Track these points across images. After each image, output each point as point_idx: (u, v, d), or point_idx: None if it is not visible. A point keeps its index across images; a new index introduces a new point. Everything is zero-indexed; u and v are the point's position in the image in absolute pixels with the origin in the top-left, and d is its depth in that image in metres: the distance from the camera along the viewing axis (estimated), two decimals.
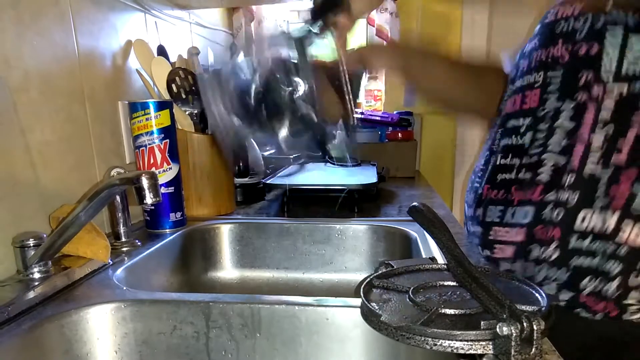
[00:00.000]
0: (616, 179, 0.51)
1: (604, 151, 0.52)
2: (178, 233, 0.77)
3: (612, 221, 0.52)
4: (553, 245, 0.55)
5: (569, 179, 0.54)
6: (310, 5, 0.61)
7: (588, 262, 0.53)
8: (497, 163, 0.63)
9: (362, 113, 1.61)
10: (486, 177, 0.65)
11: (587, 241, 0.53)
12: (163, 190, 0.76)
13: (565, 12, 0.55)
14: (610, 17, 0.51)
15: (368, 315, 0.38)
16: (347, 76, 0.59)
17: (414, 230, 0.75)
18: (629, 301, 0.52)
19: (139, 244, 0.70)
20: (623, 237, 0.51)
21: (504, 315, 0.33)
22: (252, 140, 1.10)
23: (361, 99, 1.79)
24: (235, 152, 0.99)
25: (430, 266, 0.48)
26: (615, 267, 0.52)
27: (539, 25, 0.63)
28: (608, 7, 0.51)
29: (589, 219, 0.53)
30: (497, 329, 0.31)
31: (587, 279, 0.54)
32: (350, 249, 0.81)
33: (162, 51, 0.92)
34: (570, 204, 0.54)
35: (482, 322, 0.33)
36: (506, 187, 0.61)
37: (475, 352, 0.33)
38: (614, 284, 0.52)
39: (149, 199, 0.48)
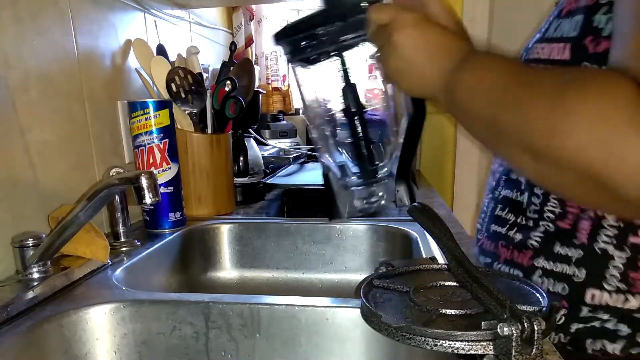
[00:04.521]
0: (634, 265, 0.48)
1: (620, 230, 0.48)
2: (177, 233, 0.77)
3: (635, 302, 0.48)
4: (560, 313, 0.53)
5: (576, 253, 0.50)
6: None
7: (592, 327, 0.51)
8: (495, 213, 0.60)
9: None
10: (485, 224, 0.63)
11: (598, 313, 0.50)
12: (162, 190, 0.76)
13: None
14: None
15: (368, 316, 0.38)
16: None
17: (414, 230, 0.75)
18: (634, 350, 0.50)
19: (138, 244, 0.70)
20: None
21: (505, 316, 0.32)
22: (252, 140, 1.11)
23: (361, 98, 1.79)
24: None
25: (431, 266, 0.48)
26: (624, 328, 0.50)
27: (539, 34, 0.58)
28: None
29: (599, 296, 0.50)
30: (498, 330, 0.31)
31: (590, 340, 0.52)
32: (350, 249, 0.81)
33: (161, 50, 0.91)
34: (575, 279, 0.51)
35: (482, 323, 0.33)
36: (496, 241, 0.59)
37: (475, 352, 0.33)
38: (621, 343, 0.50)
39: (148, 198, 0.48)
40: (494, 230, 0.60)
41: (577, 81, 0.37)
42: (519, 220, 0.56)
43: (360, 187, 0.61)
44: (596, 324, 0.51)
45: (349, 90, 0.58)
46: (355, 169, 0.61)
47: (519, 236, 0.55)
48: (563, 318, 0.52)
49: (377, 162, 0.61)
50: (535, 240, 0.53)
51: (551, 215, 0.52)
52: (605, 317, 0.50)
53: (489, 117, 0.41)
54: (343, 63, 0.56)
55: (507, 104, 0.40)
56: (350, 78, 0.57)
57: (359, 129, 0.59)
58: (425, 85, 0.47)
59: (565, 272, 0.51)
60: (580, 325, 0.51)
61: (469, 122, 0.45)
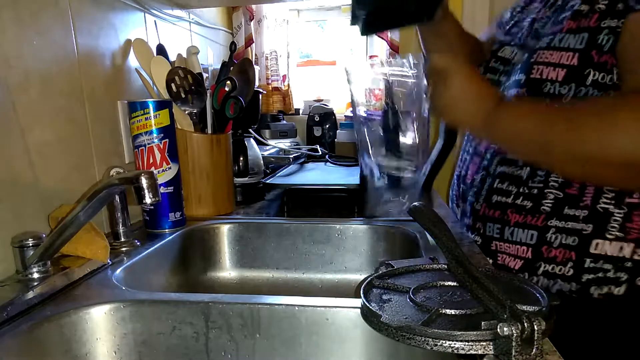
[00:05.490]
0: (629, 218, 0.62)
1: (617, 193, 0.62)
2: (177, 233, 0.77)
3: (628, 249, 0.62)
4: (569, 265, 0.65)
5: (582, 213, 0.63)
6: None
7: (597, 276, 0.64)
8: (494, 186, 0.72)
9: None
10: (483, 197, 0.74)
11: (599, 263, 0.63)
12: (162, 190, 0.76)
13: (550, 74, 0.63)
14: (591, 90, 0.61)
15: (368, 316, 0.38)
16: None
17: (414, 230, 0.75)
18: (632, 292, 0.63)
19: (138, 244, 0.70)
20: (636, 257, 0.62)
21: (505, 316, 0.33)
22: (252, 140, 1.11)
23: (361, 97, 1.79)
24: None
25: (431, 266, 0.48)
26: (624, 276, 0.63)
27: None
28: (588, 81, 0.60)
29: (602, 245, 0.63)
30: (498, 329, 0.31)
31: (594, 287, 0.64)
32: (350, 249, 0.81)
33: (161, 50, 0.91)
34: (584, 232, 0.64)
35: (482, 323, 0.33)
36: (502, 209, 0.70)
37: (475, 352, 0.33)
38: (623, 287, 0.63)
39: (148, 198, 0.48)
40: (497, 200, 0.71)
41: (622, 102, 0.50)
42: (521, 190, 0.68)
43: (388, 191, 0.74)
44: (600, 274, 0.63)
45: (391, 113, 0.71)
46: (385, 176, 0.75)
47: (529, 203, 0.67)
48: (572, 270, 0.65)
49: (401, 174, 0.74)
50: (547, 206, 0.66)
51: (555, 184, 0.65)
52: (607, 266, 0.62)
53: (539, 140, 0.53)
54: (389, 93, 0.70)
55: (559, 128, 0.51)
56: (394, 104, 0.71)
57: (393, 144, 0.72)
58: (466, 119, 0.61)
59: (575, 228, 0.64)
60: (591, 276, 0.64)
61: (514, 145, 0.59)
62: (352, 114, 1.60)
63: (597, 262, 0.63)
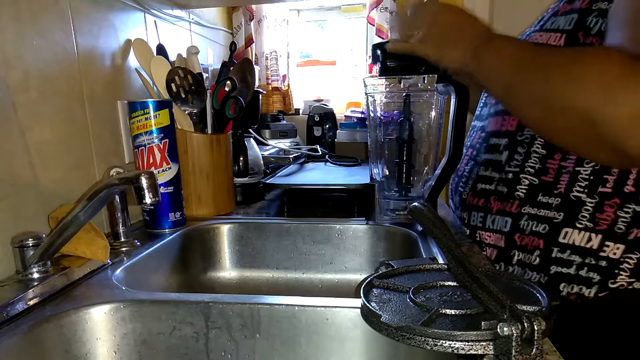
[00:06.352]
0: (600, 208, 0.60)
1: (591, 182, 0.60)
2: (177, 233, 0.77)
3: (596, 241, 0.60)
4: (536, 253, 0.64)
5: (555, 200, 0.63)
6: None
7: (565, 271, 0.62)
8: (479, 174, 0.72)
9: (362, 112, 1.61)
10: (470, 185, 0.74)
11: (566, 253, 0.62)
12: (162, 190, 0.76)
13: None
14: None
15: (368, 316, 0.38)
16: None
17: (414, 230, 0.75)
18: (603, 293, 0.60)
19: (138, 244, 0.70)
20: (605, 253, 0.60)
21: (505, 316, 0.33)
22: (252, 140, 1.11)
23: (361, 98, 1.79)
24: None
25: (431, 266, 0.48)
26: (595, 276, 0.60)
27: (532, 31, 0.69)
28: None
29: (570, 236, 0.61)
30: (498, 329, 0.31)
31: (564, 284, 0.62)
32: (350, 249, 0.81)
33: (161, 50, 0.91)
34: (555, 220, 0.62)
35: (482, 323, 0.33)
36: (486, 196, 0.71)
37: (476, 352, 0.33)
38: (594, 289, 0.61)
39: (148, 198, 0.48)
40: (482, 188, 0.71)
41: (587, 50, 0.51)
42: (501, 175, 0.68)
43: (395, 200, 0.78)
44: (571, 270, 0.62)
45: (407, 124, 0.76)
46: (394, 184, 0.78)
47: (505, 189, 0.67)
48: (538, 259, 0.64)
49: (411, 184, 0.78)
50: (522, 192, 0.65)
51: (531, 170, 0.65)
52: (575, 258, 0.61)
53: (510, 76, 0.54)
54: (407, 102, 0.74)
55: (526, 65, 0.53)
56: (410, 114, 0.75)
57: (406, 155, 0.77)
58: (458, 49, 0.61)
59: (547, 216, 0.63)
60: (558, 269, 0.62)
61: (492, 81, 0.58)
62: (353, 114, 1.60)
63: (564, 252, 0.61)
